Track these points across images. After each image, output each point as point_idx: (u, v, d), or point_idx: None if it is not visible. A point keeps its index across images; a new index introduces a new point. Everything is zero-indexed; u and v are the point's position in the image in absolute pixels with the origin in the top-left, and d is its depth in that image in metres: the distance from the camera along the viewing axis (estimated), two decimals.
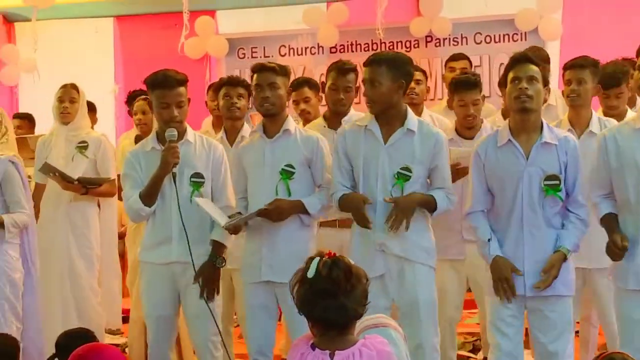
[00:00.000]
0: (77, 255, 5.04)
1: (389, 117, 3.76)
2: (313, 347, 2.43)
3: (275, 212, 3.80)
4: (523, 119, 3.52)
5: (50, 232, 4.96)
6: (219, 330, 4.11)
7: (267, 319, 4.03)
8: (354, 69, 4.38)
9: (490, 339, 3.71)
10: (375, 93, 3.68)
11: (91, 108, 5.66)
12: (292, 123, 4.05)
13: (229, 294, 4.67)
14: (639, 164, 3.49)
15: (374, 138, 3.75)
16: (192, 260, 3.87)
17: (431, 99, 6.96)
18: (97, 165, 5.07)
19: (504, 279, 3.53)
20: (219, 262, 3.99)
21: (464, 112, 4.38)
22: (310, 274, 2.35)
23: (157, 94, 3.90)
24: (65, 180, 4.79)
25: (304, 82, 4.89)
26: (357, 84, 4.42)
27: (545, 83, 3.61)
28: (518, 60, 3.54)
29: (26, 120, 6.19)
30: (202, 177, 3.99)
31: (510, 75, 3.53)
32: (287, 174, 3.93)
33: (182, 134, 4.01)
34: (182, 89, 3.94)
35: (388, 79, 3.67)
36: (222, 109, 4.51)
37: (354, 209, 3.72)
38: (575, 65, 3.98)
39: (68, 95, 4.93)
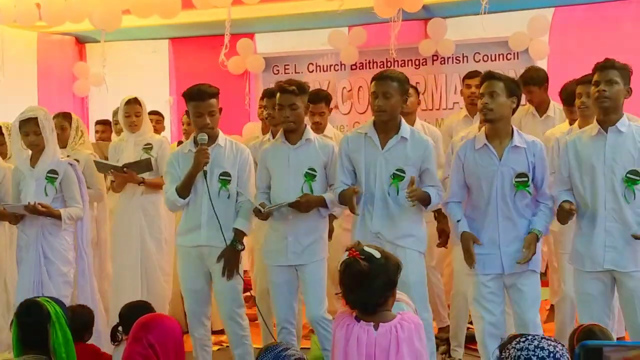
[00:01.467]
0: (149, 239, 5.53)
1: (387, 126, 4.15)
2: (357, 319, 2.63)
3: (305, 205, 4.25)
4: (491, 127, 3.92)
5: (126, 219, 5.48)
6: (243, 303, 4.53)
7: (289, 295, 4.48)
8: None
9: (474, 312, 4.10)
10: (387, 104, 4.06)
11: (160, 116, 6.44)
12: (311, 132, 4.50)
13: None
14: (594, 166, 3.85)
15: (373, 144, 4.17)
16: (226, 241, 4.31)
17: (443, 108, 7.62)
18: (157, 162, 5.50)
19: (466, 249, 3.94)
20: (239, 247, 4.42)
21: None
22: (343, 264, 2.63)
23: (193, 105, 4.31)
24: (117, 172, 5.28)
25: (323, 98, 5.32)
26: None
27: (512, 95, 3.91)
28: (484, 78, 3.95)
29: (108, 125, 6.75)
30: (229, 176, 4.42)
31: (480, 91, 3.96)
32: (310, 176, 4.38)
33: (214, 138, 4.41)
34: (213, 101, 4.32)
35: (397, 93, 4.08)
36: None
37: (347, 199, 4.10)
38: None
39: (133, 110, 5.48)
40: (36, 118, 4.69)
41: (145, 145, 5.43)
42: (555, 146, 4.49)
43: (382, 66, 7.46)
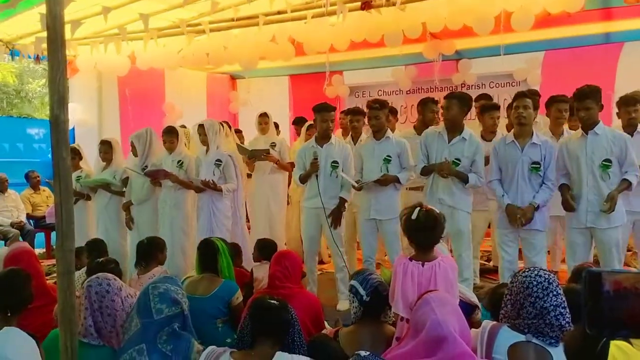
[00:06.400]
0: (273, 203, 6.69)
1: (453, 128, 4.83)
2: (410, 259, 2.95)
3: (385, 181, 4.97)
4: (521, 129, 4.49)
5: (259, 191, 6.62)
6: (342, 243, 5.23)
7: (372, 239, 5.21)
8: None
9: (499, 254, 4.72)
10: (448, 114, 4.76)
11: (276, 126, 7.29)
12: (390, 132, 5.17)
13: (354, 228, 5.85)
14: (578, 158, 4.43)
15: (442, 139, 4.86)
16: (324, 207, 5.06)
17: (467, 119, 7.63)
18: (281, 153, 6.57)
19: (514, 216, 4.45)
20: (343, 208, 5.18)
21: (490, 123, 5.55)
22: (414, 216, 2.96)
23: (321, 115, 5.14)
24: (262, 155, 6.28)
25: (391, 111, 6.14)
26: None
27: (535, 108, 4.54)
28: (519, 96, 4.54)
29: (240, 134, 7.61)
30: (337, 163, 5.15)
31: (514, 104, 4.56)
32: (387, 161, 5.07)
33: (329, 138, 5.18)
34: (333, 113, 5.18)
35: (457, 107, 4.77)
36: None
37: (428, 172, 4.81)
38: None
39: (264, 120, 6.75)
40: (203, 125, 5.71)
41: (271, 144, 6.66)
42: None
43: (427, 92, 8.80)
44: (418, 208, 2.95)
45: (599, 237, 4.36)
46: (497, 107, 5.62)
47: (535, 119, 4.89)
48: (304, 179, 5.17)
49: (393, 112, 6.42)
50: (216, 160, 5.55)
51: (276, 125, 7.28)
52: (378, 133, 5.04)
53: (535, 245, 4.48)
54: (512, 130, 4.56)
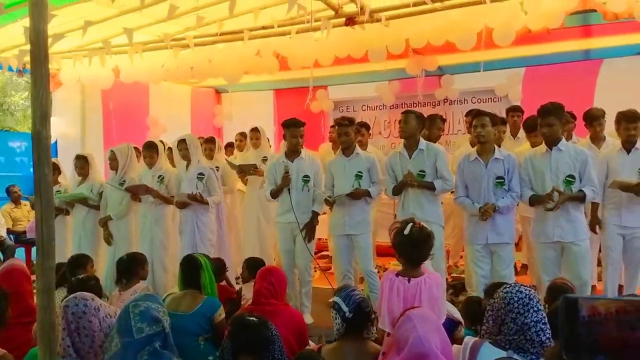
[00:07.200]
0: (263, 218, 6.63)
1: (411, 143, 4.92)
2: (397, 275, 3.00)
3: (357, 194, 5.07)
4: (482, 146, 4.63)
5: (249, 206, 6.57)
6: (313, 259, 5.30)
7: (348, 254, 5.27)
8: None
9: (471, 269, 4.79)
10: (407, 128, 4.83)
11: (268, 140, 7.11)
12: (359, 148, 5.26)
13: None
14: (543, 173, 4.53)
15: (404, 158, 4.99)
16: (298, 222, 5.11)
17: (451, 133, 8.81)
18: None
19: (488, 212, 4.52)
20: (316, 222, 5.26)
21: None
22: (407, 231, 2.97)
23: (290, 130, 5.21)
24: (251, 170, 6.26)
25: (364, 126, 6.43)
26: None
27: (496, 124, 4.63)
28: (476, 114, 4.65)
29: (232, 147, 7.89)
30: (309, 177, 5.24)
31: (473, 123, 4.65)
32: (358, 177, 5.18)
33: (299, 153, 5.23)
34: (302, 128, 5.21)
35: (415, 122, 4.86)
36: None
37: (398, 190, 4.89)
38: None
39: (255, 135, 6.71)
40: (185, 140, 5.72)
41: (263, 158, 6.67)
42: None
43: (410, 106, 8.99)
44: (411, 224, 2.98)
45: (565, 251, 4.46)
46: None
47: (504, 133, 5.28)
48: (275, 194, 5.22)
49: (366, 126, 6.54)
50: (198, 174, 5.57)
51: (268, 139, 7.32)
52: (347, 150, 5.12)
53: (504, 258, 4.57)
54: (475, 147, 4.70)
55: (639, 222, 4.74)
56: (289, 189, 5.15)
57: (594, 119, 5.40)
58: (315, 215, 5.21)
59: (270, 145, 7.53)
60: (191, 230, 5.53)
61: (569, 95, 7.13)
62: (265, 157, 6.57)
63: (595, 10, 6.02)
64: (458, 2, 5.88)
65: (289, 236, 5.28)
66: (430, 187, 4.84)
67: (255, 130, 6.77)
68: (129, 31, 6.22)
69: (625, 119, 4.80)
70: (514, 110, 6.44)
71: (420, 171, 4.87)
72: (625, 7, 5.62)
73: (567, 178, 4.39)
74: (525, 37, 6.58)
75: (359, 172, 5.08)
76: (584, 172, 4.42)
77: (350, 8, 6.17)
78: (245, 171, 6.26)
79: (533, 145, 5.13)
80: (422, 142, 4.95)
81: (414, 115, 4.92)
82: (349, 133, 5.08)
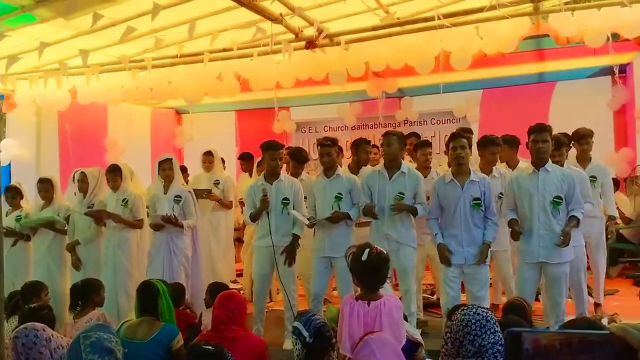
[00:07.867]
0: (214, 241, 6.73)
1: (393, 164, 4.88)
2: (356, 299, 3.03)
3: (336, 218, 5.00)
4: (459, 168, 4.59)
5: (201, 230, 6.22)
6: (296, 281, 5.24)
7: (325, 277, 5.21)
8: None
9: (442, 290, 4.76)
10: (389, 150, 4.84)
11: (222, 162, 7.32)
12: (340, 169, 5.16)
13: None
14: (531, 193, 4.51)
15: (383, 177, 4.94)
16: (273, 246, 5.01)
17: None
18: (224, 192, 6.70)
19: (443, 255, 4.61)
20: (296, 245, 5.15)
21: (423, 160, 5.65)
22: (364, 257, 3.00)
23: (269, 153, 5.10)
24: (204, 195, 6.40)
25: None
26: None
27: (470, 147, 4.62)
28: (455, 136, 4.63)
29: (186, 173, 7.46)
30: (288, 200, 5.13)
31: (451, 145, 4.58)
32: (338, 198, 5.09)
33: (278, 175, 5.15)
34: (281, 151, 5.19)
35: (397, 143, 4.87)
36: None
37: (369, 211, 4.86)
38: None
39: (208, 159, 6.81)
40: (171, 159, 5.58)
41: (215, 181, 6.82)
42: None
43: (372, 128, 9.33)
44: (368, 249, 2.99)
45: (549, 271, 4.49)
46: (429, 144, 5.85)
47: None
48: (254, 217, 5.15)
49: (339, 149, 6.25)
50: (175, 197, 5.49)
51: (222, 161, 7.31)
52: (329, 170, 5.12)
53: (479, 280, 4.59)
54: (451, 169, 4.70)
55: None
56: (267, 212, 5.08)
57: (581, 137, 5.43)
58: (295, 238, 5.14)
59: (224, 167, 7.49)
60: (166, 253, 5.42)
61: (524, 116, 7.32)
62: (217, 180, 6.65)
63: (548, 35, 6.27)
64: (415, 27, 6.03)
65: (266, 260, 5.19)
66: (414, 212, 4.87)
67: (208, 153, 6.82)
68: (85, 52, 6.19)
69: (578, 137, 5.09)
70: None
71: (399, 193, 4.87)
72: (576, 32, 5.84)
73: (554, 199, 4.42)
74: (482, 60, 6.74)
75: (338, 193, 5.05)
76: (571, 194, 4.47)
77: (310, 32, 6.26)
78: (198, 195, 6.17)
79: (487, 162, 5.20)
80: (404, 165, 4.98)
81: (395, 137, 4.93)
82: (331, 154, 5.06)
